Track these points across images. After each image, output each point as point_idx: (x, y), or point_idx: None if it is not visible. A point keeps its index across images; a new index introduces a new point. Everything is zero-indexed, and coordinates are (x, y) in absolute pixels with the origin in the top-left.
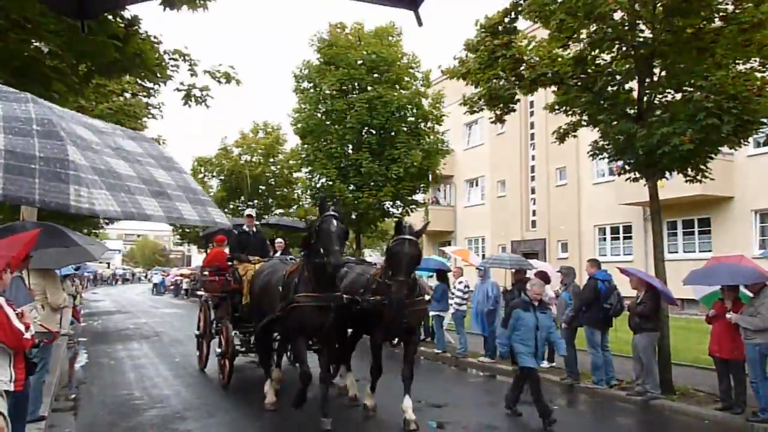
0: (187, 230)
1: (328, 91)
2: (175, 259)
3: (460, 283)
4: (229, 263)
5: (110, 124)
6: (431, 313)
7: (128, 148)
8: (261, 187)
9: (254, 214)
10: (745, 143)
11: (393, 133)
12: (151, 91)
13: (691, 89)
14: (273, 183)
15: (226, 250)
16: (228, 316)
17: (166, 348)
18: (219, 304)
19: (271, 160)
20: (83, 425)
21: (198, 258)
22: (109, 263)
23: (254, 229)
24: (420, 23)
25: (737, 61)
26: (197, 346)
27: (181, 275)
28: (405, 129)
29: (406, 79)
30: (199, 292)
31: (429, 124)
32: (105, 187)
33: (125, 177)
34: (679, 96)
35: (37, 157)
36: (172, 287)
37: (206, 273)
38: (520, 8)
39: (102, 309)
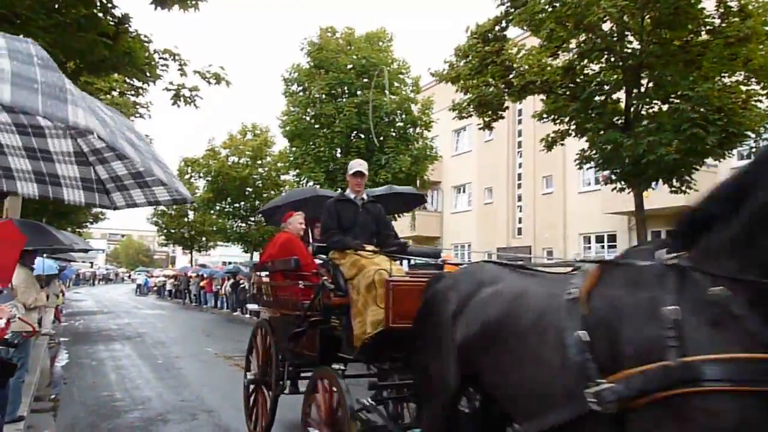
0: (172, 231)
1: (317, 95)
2: (160, 260)
3: None
4: (321, 258)
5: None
6: None
7: (105, 113)
8: (248, 189)
9: (366, 172)
10: (730, 155)
11: (382, 138)
12: (139, 90)
13: (678, 101)
14: (260, 185)
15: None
16: (312, 353)
17: (149, 349)
18: (299, 332)
19: (259, 162)
20: (63, 426)
21: (183, 259)
22: (92, 263)
23: (364, 197)
24: None
25: (723, 74)
26: (245, 399)
27: (165, 276)
28: (394, 134)
29: (396, 84)
30: (252, 307)
31: (418, 130)
32: (93, 116)
33: (110, 125)
34: (666, 107)
35: (39, 81)
36: (155, 288)
37: (263, 275)
38: (510, 16)
39: (84, 309)
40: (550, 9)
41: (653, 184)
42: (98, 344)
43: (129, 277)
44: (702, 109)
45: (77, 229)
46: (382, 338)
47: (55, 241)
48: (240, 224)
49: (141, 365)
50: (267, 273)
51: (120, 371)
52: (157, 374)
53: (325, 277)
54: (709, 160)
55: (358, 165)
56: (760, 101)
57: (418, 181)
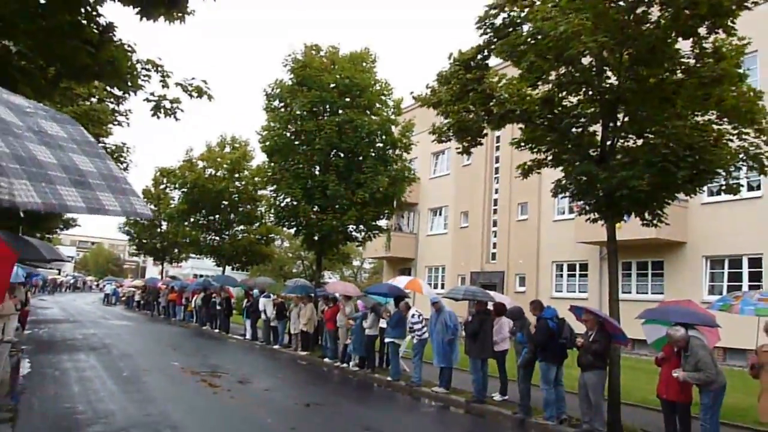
0: (144, 241)
1: (298, 112)
2: (129, 270)
3: (413, 316)
4: None
5: (33, 102)
6: (386, 340)
7: (50, 131)
8: (224, 202)
9: None
10: (701, 191)
11: (361, 158)
12: (119, 98)
13: (652, 136)
14: (236, 198)
15: None
16: None
17: (114, 361)
18: None
19: (236, 175)
20: None
21: (153, 270)
22: (59, 270)
23: None
24: None
25: (696, 113)
26: None
27: (134, 287)
28: (373, 154)
29: (378, 105)
30: None
31: (397, 151)
32: (26, 176)
33: (46, 165)
34: (640, 142)
35: None
36: (124, 298)
37: None
38: (492, 46)
39: (49, 317)
40: (532, 41)
41: (626, 216)
42: (62, 354)
43: (97, 285)
44: (673, 146)
45: (47, 235)
46: None
47: (35, 254)
48: (213, 237)
49: (105, 377)
50: None
51: (83, 383)
52: (121, 387)
53: None
54: (681, 195)
55: None
56: (731, 140)
57: (395, 202)
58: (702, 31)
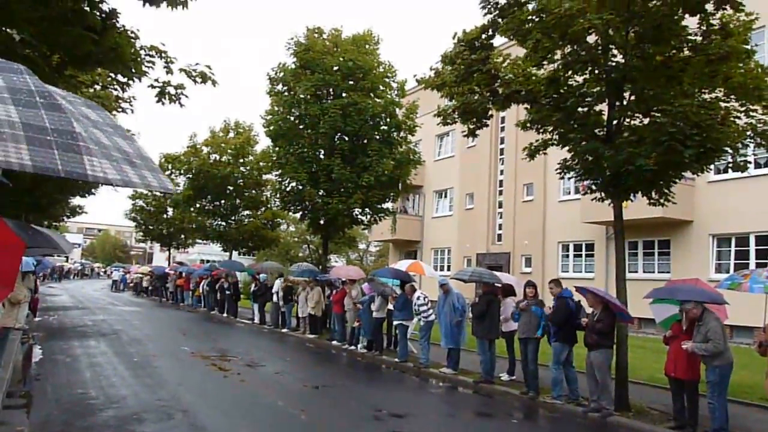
0: (151, 227)
1: (302, 96)
2: (136, 256)
3: (418, 299)
4: None
5: (69, 93)
6: (395, 322)
7: (92, 117)
8: (229, 187)
9: None
10: (708, 170)
11: (365, 141)
12: (123, 85)
13: (659, 114)
14: (241, 183)
15: None
16: None
17: (125, 347)
18: None
19: (241, 160)
20: (36, 423)
21: (160, 256)
22: (68, 257)
23: None
24: None
25: (703, 91)
26: None
27: (142, 273)
28: (378, 137)
29: (381, 87)
30: None
31: (402, 134)
32: (104, 157)
33: (108, 146)
34: (647, 121)
35: (48, 129)
36: (132, 284)
37: None
38: (498, 25)
39: (59, 304)
40: (537, 19)
41: (632, 195)
42: (73, 340)
43: (105, 272)
44: (680, 124)
45: (54, 223)
46: None
47: (46, 242)
48: (219, 222)
49: (116, 363)
50: None
51: (95, 368)
52: (132, 372)
53: None
54: (687, 174)
55: None
56: (739, 118)
57: (400, 185)
58: (709, 7)
